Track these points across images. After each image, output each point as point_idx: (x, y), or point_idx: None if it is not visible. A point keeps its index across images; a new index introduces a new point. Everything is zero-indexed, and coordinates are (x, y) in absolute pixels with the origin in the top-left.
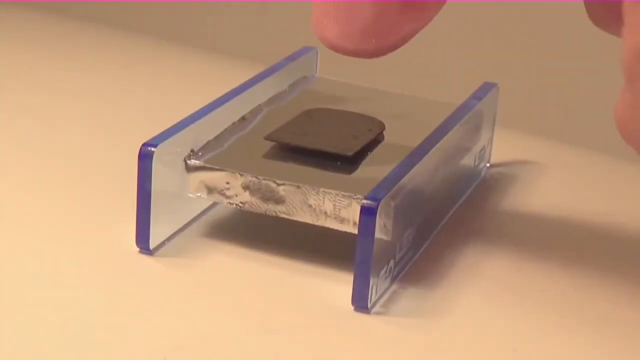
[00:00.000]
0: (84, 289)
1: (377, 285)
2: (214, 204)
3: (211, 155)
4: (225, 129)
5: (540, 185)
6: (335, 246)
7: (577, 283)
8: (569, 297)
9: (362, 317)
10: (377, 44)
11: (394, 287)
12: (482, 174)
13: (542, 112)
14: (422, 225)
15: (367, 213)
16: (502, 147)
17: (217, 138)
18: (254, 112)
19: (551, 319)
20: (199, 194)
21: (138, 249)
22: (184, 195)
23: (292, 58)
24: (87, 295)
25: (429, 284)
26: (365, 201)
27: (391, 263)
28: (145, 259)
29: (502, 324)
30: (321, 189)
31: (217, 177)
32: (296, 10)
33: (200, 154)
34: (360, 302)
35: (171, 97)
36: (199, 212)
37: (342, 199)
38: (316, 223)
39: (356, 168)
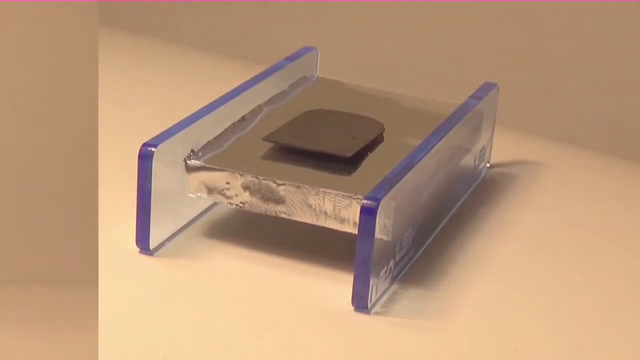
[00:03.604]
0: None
1: (377, 286)
2: (214, 204)
3: (211, 156)
4: (225, 129)
5: (539, 185)
6: (335, 246)
7: (578, 282)
8: (569, 297)
9: (362, 317)
10: None
11: (394, 287)
12: (482, 174)
13: (542, 112)
14: (422, 225)
15: (367, 213)
16: (502, 147)
17: (217, 138)
18: (254, 112)
19: (551, 320)
20: (199, 194)
21: (138, 249)
22: (184, 195)
23: (292, 58)
24: None
25: (429, 284)
26: (365, 201)
27: (391, 263)
28: (145, 259)
29: (502, 324)
30: (321, 189)
31: (217, 177)
32: (296, 10)
33: (200, 154)
34: (360, 302)
35: (171, 97)
36: (199, 212)
37: (342, 199)
38: (316, 223)
39: (356, 168)
